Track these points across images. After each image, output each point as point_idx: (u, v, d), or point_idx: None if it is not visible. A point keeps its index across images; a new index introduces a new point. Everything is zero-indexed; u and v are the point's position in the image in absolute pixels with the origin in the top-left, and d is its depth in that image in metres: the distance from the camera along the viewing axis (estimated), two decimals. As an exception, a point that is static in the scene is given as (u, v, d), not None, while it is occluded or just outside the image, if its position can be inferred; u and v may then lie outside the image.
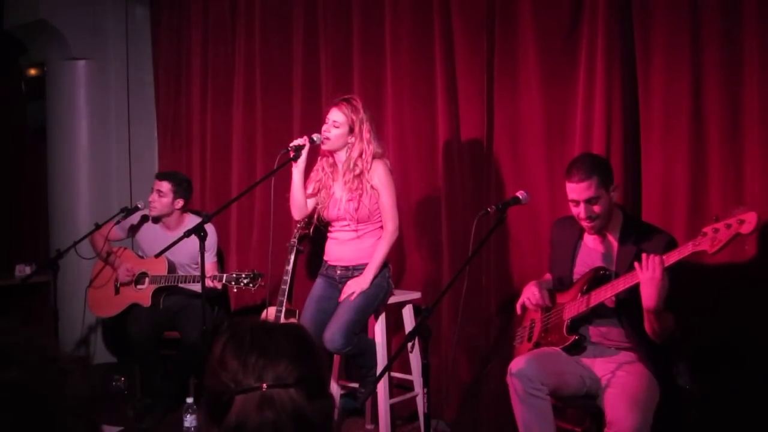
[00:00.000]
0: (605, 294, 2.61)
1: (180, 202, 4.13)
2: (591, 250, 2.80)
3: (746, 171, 2.88)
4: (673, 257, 2.39)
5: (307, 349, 1.19)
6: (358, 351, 3.37)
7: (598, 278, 2.69)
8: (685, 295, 2.61)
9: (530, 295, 2.87)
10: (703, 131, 2.99)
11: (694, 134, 3.00)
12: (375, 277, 3.34)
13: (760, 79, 2.82)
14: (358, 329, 3.34)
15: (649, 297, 2.40)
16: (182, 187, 4.14)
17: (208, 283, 3.56)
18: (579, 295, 2.71)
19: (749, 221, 2.24)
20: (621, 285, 2.54)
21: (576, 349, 2.74)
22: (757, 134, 2.84)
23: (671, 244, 2.55)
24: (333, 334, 3.23)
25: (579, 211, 2.68)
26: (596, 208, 2.65)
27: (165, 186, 4.08)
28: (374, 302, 3.38)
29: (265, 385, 1.12)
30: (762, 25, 2.81)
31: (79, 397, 0.94)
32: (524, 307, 2.94)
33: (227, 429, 1.12)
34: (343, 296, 3.35)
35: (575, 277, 2.81)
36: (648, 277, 2.38)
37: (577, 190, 2.65)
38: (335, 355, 3.54)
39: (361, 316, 3.33)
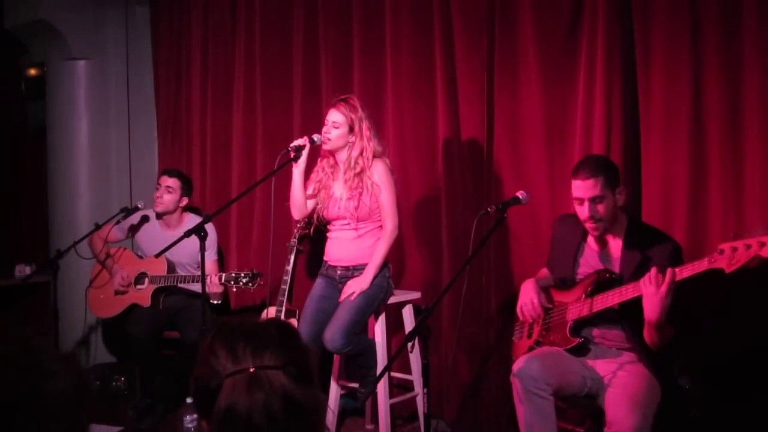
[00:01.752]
0: (612, 300, 2.58)
1: (185, 200, 4.20)
2: (594, 252, 2.80)
3: (746, 171, 2.88)
4: (685, 272, 2.36)
5: (292, 338, 1.23)
6: (358, 351, 3.37)
7: (603, 281, 2.67)
8: (689, 300, 2.59)
9: (527, 302, 2.85)
10: (703, 131, 2.99)
11: (694, 134, 3.00)
12: (375, 277, 3.34)
13: (760, 79, 2.82)
14: (358, 329, 3.34)
15: (651, 311, 2.38)
16: (188, 185, 4.24)
17: (208, 281, 3.56)
18: (583, 296, 2.69)
19: None
20: (629, 293, 2.51)
21: (580, 351, 2.73)
22: (757, 134, 2.84)
23: (676, 252, 2.54)
24: (333, 335, 3.23)
25: (583, 210, 2.66)
26: (600, 208, 2.63)
27: (175, 183, 4.13)
28: (374, 302, 3.38)
29: (252, 368, 1.14)
30: (762, 25, 2.81)
31: (62, 397, 0.94)
32: None
33: (217, 415, 1.13)
34: (343, 296, 3.35)
35: (578, 277, 2.80)
36: (652, 291, 2.36)
37: (582, 187, 2.64)
38: (335, 355, 3.55)
39: (361, 316, 3.33)
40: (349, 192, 3.35)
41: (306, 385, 1.17)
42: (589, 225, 2.69)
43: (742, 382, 2.81)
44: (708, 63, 2.96)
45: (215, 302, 3.90)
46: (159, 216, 4.17)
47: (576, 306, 2.72)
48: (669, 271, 2.35)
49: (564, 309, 2.78)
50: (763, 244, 2.20)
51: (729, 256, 2.25)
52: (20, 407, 0.90)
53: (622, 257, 2.69)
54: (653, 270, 2.38)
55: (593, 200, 2.63)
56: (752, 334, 2.82)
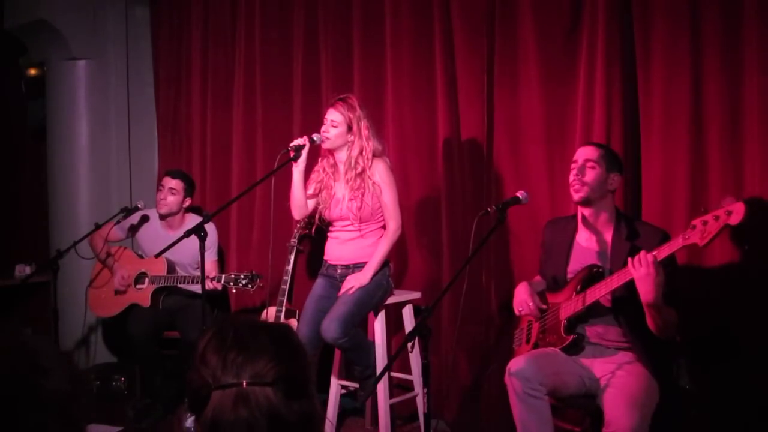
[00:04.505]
0: (600, 292, 2.61)
1: (188, 201, 4.20)
2: (585, 249, 2.81)
3: (746, 170, 2.89)
4: (664, 251, 2.41)
5: (290, 349, 1.19)
6: (353, 345, 3.33)
7: (591, 276, 2.69)
8: (683, 289, 2.61)
9: (522, 304, 2.88)
10: (703, 131, 3.00)
11: (694, 134, 3.00)
12: (375, 275, 3.34)
13: (760, 79, 2.82)
14: (356, 322, 3.32)
15: (646, 293, 2.40)
16: (192, 187, 4.24)
17: (208, 284, 3.56)
18: (574, 294, 2.71)
19: (737, 212, 2.24)
20: (615, 282, 2.55)
21: (574, 348, 2.74)
22: (757, 134, 2.84)
23: (666, 240, 2.55)
24: (330, 323, 3.22)
25: (572, 173, 2.76)
26: (588, 174, 2.72)
27: (178, 184, 4.13)
28: (373, 298, 3.37)
29: (240, 384, 1.12)
30: (762, 24, 2.81)
31: (58, 394, 0.94)
32: None
33: (204, 423, 1.13)
34: (342, 291, 3.34)
35: (569, 276, 2.82)
36: (643, 273, 2.39)
37: (582, 151, 2.80)
38: (336, 354, 3.54)
39: (359, 309, 3.31)
40: (351, 193, 3.35)
41: (298, 400, 1.15)
42: (573, 188, 2.76)
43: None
44: (708, 63, 2.97)
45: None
46: (162, 217, 4.17)
47: (568, 304, 2.73)
48: (650, 254, 2.39)
49: (557, 309, 2.79)
50: (730, 213, 2.26)
51: (701, 230, 2.31)
52: (19, 404, 0.90)
53: (612, 251, 2.71)
54: (641, 252, 2.41)
55: (585, 163, 2.73)
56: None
